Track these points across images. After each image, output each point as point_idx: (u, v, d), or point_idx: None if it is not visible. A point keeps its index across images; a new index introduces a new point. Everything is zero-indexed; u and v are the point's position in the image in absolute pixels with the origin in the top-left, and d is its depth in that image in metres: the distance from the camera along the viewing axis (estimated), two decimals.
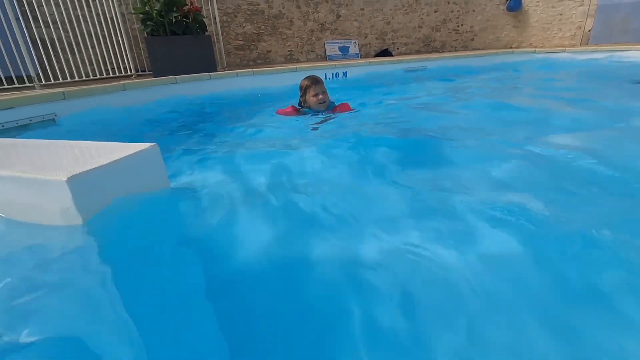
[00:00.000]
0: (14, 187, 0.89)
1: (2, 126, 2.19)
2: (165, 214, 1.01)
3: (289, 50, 7.88)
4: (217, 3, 5.75)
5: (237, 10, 7.09)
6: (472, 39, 10.07)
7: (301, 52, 8.03)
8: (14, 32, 3.77)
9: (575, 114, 2.60)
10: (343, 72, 4.64)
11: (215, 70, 5.07)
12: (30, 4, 4.06)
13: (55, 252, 0.81)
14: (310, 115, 2.83)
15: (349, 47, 8.43)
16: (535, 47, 8.75)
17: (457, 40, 10.05)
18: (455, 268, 0.89)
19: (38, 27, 4.62)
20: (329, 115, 2.82)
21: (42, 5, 4.29)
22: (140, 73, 5.47)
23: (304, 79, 2.86)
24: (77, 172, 0.80)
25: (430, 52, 9.53)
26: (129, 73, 5.23)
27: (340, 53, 8.35)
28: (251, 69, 4.76)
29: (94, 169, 0.83)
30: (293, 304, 0.81)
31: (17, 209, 0.93)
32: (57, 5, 4.53)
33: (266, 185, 1.48)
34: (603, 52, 5.94)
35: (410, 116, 2.85)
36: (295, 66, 5.17)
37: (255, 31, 7.39)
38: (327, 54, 8.20)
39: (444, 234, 1.04)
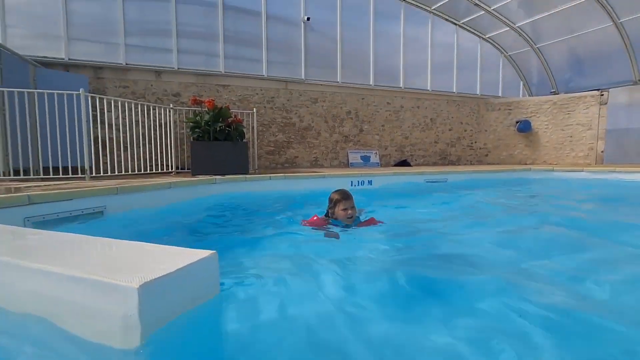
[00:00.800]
0: (77, 287, 0.90)
1: (57, 215, 2.35)
2: (218, 331, 0.98)
3: (314, 157, 8.53)
4: (256, 116, 6.55)
5: (272, 122, 8.01)
6: (486, 155, 10.69)
7: (325, 159, 8.66)
8: (82, 130, 4.33)
9: (599, 236, 2.52)
10: (369, 180, 4.90)
11: (248, 172, 5.46)
12: (101, 111, 4.73)
13: None
14: (335, 227, 2.87)
15: (370, 156, 9.06)
16: (551, 164, 9.13)
17: (471, 155, 10.69)
18: None
19: (101, 128, 5.31)
20: (355, 229, 2.85)
21: (111, 112, 5.01)
22: (179, 171, 5.94)
23: (335, 192, 2.96)
24: (148, 280, 0.82)
25: (447, 165, 10.07)
26: (169, 170, 5.69)
27: (362, 161, 8.93)
28: (283, 174, 5.11)
29: (162, 276, 0.85)
30: None
31: (73, 311, 0.93)
32: (122, 111, 5.27)
33: (293, 298, 1.46)
34: (621, 173, 6.10)
35: (433, 232, 2.83)
36: (324, 172, 5.53)
37: (285, 140, 8.17)
38: (350, 161, 8.79)
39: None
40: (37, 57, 6.00)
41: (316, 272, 1.76)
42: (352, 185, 4.86)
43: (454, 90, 10.19)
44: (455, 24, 9.92)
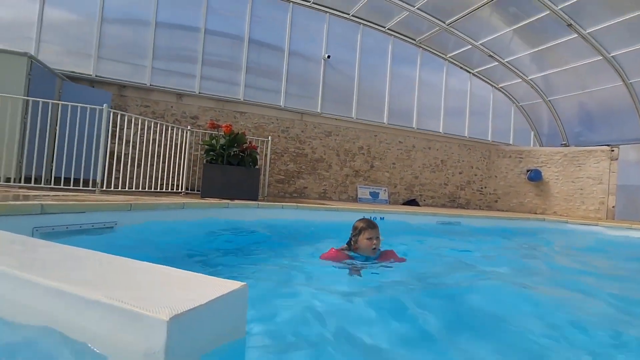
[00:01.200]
0: (94, 313, 0.80)
1: (67, 228, 2.26)
2: None
3: (323, 189, 8.47)
4: (270, 144, 6.59)
5: (285, 151, 8.05)
6: (496, 201, 10.57)
7: (334, 192, 8.59)
8: (100, 144, 4.35)
9: (615, 300, 2.34)
10: (381, 217, 4.79)
11: (257, 198, 5.39)
12: (120, 127, 4.78)
13: None
14: (356, 260, 2.76)
15: (379, 193, 8.99)
16: (561, 215, 8.96)
17: (481, 199, 10.58)
18: None
19: (117, 144, 5.34)
20: (375, 262, 2.74)
21: (130, 129, 5.06)
22: (188, 192, 5.89)
23: (360, 220, 2.86)
24: (179, 312, 0.72)
25: (456, 207, 9.94)
26: (179, 190, 5.64)
27: (370, 197, 8.85)
28: (295, 203, 5.04)
29: (194, 308, 0.75)
30: None
31: (85, 338, 0.82)
32: (141, 128, 5.33)
33: (310, 337, 1.34)
34: (637, 231, 5.92)
35: (449, 275, 2.72)
36: (336, 206, 5.45)
37: (296, 169, 8.17)
38: (359, 196, 8.71)
39: None
40: (66, 71, 6.20)
41: (335, 311, 1.64)
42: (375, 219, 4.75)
43: (466, 135, 10.29)
44: (470, 72, 10.23)
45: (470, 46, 9.11)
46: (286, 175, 8.07)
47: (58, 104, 4.43)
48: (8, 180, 4.15)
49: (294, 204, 4.82)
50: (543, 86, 9.97)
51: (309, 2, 8.18)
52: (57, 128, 4.57)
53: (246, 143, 5.66)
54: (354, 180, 8.83)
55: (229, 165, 5.39)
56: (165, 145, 5.45)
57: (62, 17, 6.53)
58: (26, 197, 2.85)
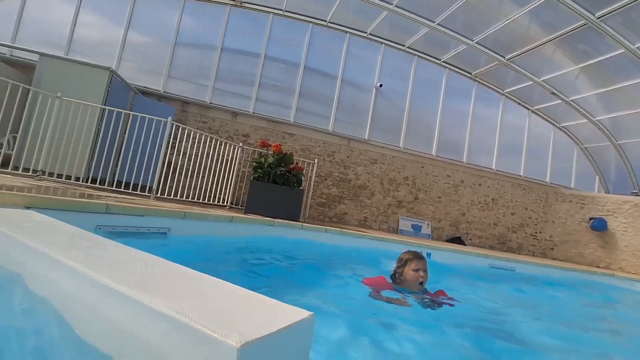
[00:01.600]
0: (158, 325, 0.76)
1: (126, 229, 2.37)
2: None
3: (364, 217, 8.28)
4: (316, 167, 6.63)
5: (329, 175, 8.05)
6: (552, 248, 9.64)
7: (375, 221, 8.36)
8: (160, 154, 4.62)
9: None
10: (427, 253, 4.50)
11: (298, 219, 5.37)
12: (180, 139, 5.06)
13: None
14: (400, 293, 2.57)
15: (421, 226, 8.59)
16: (629, 272, 7.90)
17: (535, 245, 9.71)
18: None
19: (176, 154, 5.66)
20: (421, 298, 2.53)
21: (188, 142, 5.35)
22: (232, 206, 6.03)
23: (406, 252, 2.71)
24: (250, 340, 0.65)
25: (506, 251, 9.19)
26: (224, 204, 5.79)
27: (412, 230, 8.48)
28: (339, 228, 4.96)
29: (265, 336, 0.69)
30: None
31: (142, 353, 0.78)
32: (198, 143, 5.62)
33: None
34: None
35: (506, 327, 2.42)
36: (381, 235, 5.27)
37: (338, 194, 8.10)
38: (400, 228, 8.39)
39: None
40: (139, 86, 6.82)
41: (376, 343, 1.50)
42: None
43: (521, 174, 9.65)
44: (528, 108, 9.73)
45: (530, 82, 8.71)
46: (328, 199, 8.02)
47: (129, 114, 4.82)
48: (77, 179, 4.52)
49: (338, 228, 4.72)
50: (611, 128, 9.17)
51: (366, 33, 8.38)
52: (125, 135, 4.95)
53: (293, 163, 5.73)
54: (396, 211, 8.55)
55: (275, 184, 5.46)
56: (217, 159, 5.67)
57: (142, 40, 7.30)
58: (90, 196, 3.05)
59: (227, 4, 7.70)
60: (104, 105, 4.94)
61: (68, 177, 4.38)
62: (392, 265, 2.76)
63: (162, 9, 7.42)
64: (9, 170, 4.00)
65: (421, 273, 2.53)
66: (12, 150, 4.29)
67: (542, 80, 8.62)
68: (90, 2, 7.03)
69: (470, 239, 9.07)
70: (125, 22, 7.10)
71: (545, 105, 9.48)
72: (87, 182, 4.58)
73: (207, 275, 1.06)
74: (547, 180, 9.89)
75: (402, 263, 2.64)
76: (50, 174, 4.27)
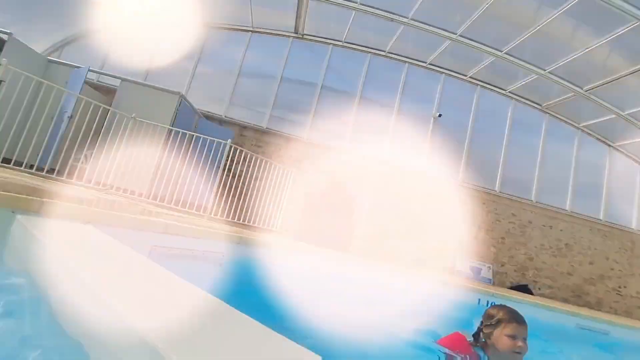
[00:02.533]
0: None
1: (181, 252, 2.29)
2: None
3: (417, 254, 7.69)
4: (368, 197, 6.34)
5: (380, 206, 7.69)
6: (639, 307, 8.15)
7: (428, 258, 7.72)
8: (217, 174, 4.69)
9: None
10: (491, 302, 3.93)
11: (348, 249, 5.06)
12: (237, 163, 5.13)
13: None
14: None
15: (482, 269, 7.77)
16: None
17: (618, 302, 8.28)
18: None
19: (232, 177, 5.76)
20: None
21: (244, 166, 5.42)
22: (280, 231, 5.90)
23: (499, 307, 2.11)
24: None
25: (582, 306, 7.92)
26: (272, 228, 5.69)
27: (470, 272, 7.69)
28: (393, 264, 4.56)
29: None
30: None
31: None
32: (249, 166, 5.69)
33: None
34: None
35: None
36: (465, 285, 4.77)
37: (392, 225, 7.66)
38: (457, 269, 7.65)
39: None
40: (203, 110, 7.22)
41: None
42: (479, 302, 3.93)
43: (600, 217, 8.46)
44: (609, 145, 8.68)
45: (613, 116, 7.79)
46: (380, 230, 7.61)
47: (193, 135, 5.01)
48: (140, 195, 4.70)
49: (392, 265, 4.34)
50: None
51: (426, 63, 8.20)
52: (188, 155, 5.13)
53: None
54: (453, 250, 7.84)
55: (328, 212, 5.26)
56: (269, 183, 5.65)
57: (209, 71, 7.95)
58: (150, 213, 3.07)
59: (290, 36, 8.05)
60: (172, 126, 5.21)
61: (132, 192, 4.57)
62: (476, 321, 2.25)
63: (230, 46, 7.98)
64: (82, 182, 4.27)
65: (519, 342, 1.92)
66: (87, 164, 4.61)
67: (627, 114, 7.68)
68: (166, 38, 7.70)
69: (539, 289, 7.98)
70: (196, 55, 7.73)
71: (630, 141, 8.39)
72: (148, 198, 4.75)
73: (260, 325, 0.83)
74: (634, 227, 8.55)
75: (494, 323, 2.04)
76: (118, 188, 4.49)
